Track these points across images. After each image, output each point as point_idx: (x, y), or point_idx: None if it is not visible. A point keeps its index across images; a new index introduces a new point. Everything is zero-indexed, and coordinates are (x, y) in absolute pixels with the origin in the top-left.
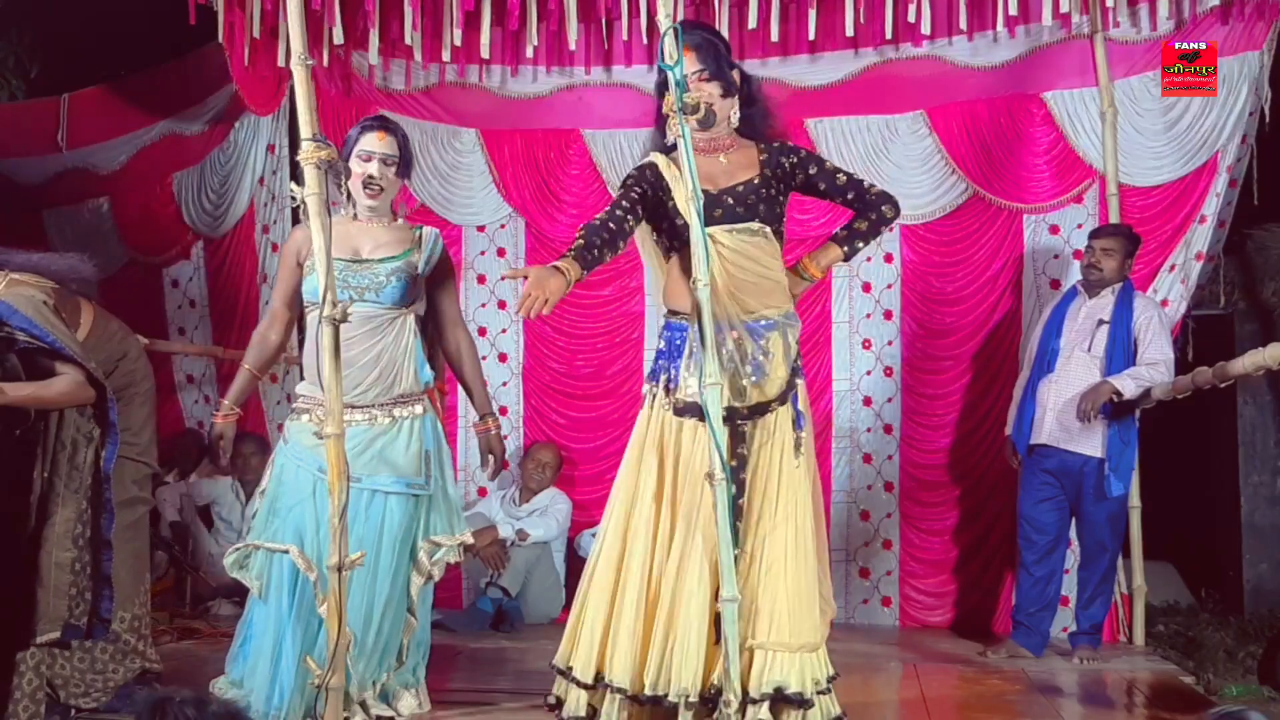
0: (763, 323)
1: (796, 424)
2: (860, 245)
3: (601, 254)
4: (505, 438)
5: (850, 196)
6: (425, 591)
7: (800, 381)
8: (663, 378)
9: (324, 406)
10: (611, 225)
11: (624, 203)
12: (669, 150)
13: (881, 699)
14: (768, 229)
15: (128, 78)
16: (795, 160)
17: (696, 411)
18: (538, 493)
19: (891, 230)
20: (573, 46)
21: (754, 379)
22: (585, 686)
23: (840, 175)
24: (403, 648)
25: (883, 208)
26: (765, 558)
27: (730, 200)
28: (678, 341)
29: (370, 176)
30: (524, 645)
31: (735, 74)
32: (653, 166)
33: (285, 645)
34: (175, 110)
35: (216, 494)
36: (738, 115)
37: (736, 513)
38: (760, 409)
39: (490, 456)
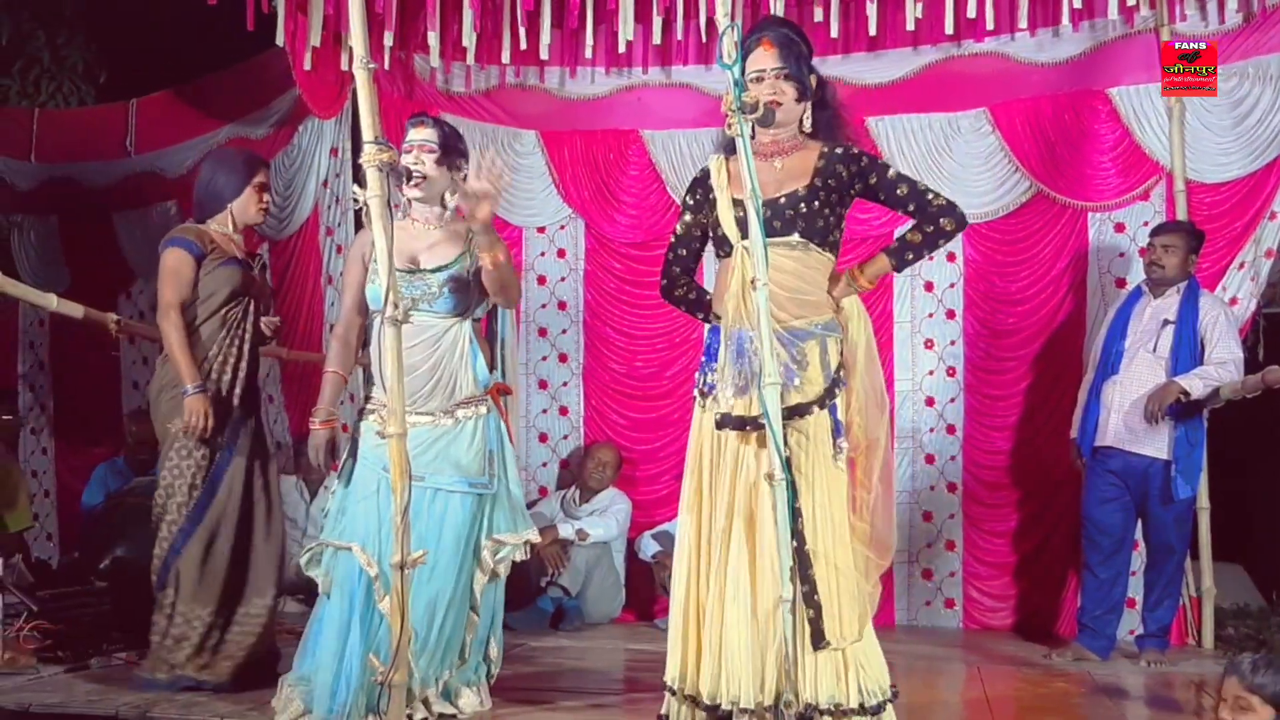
0: (797, 332)
1: (836, 432)
2: (911, 258)
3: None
4: (565, 437)
5: (911, 208)
6: (492, 590)
7: (841, 393)
8: (701, 381)
9: (387, 407)
10: (691, 296)
11: (683, 250)
12: (730, 148)
13: (945, 701)
14: (809, 242)
15: (194, 83)
16: (855, 169)
17: (733, 424)
18: (598, 492)
19: (952, 241)
20: (623, 48)
21: (784, 387)
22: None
23: (902, 186)
24: (465, 646)
25: (941, 220)
26: (824, 556)
27: (768, 214)
28: (714, 346)
29: (409, 164)
30: (584, 645)
31: (812, 78)
32: (703, 176)
33: (351, 642)
34: (240, 114)
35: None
36: (810, 118)
37: (796, 514)
38: (795, 411)
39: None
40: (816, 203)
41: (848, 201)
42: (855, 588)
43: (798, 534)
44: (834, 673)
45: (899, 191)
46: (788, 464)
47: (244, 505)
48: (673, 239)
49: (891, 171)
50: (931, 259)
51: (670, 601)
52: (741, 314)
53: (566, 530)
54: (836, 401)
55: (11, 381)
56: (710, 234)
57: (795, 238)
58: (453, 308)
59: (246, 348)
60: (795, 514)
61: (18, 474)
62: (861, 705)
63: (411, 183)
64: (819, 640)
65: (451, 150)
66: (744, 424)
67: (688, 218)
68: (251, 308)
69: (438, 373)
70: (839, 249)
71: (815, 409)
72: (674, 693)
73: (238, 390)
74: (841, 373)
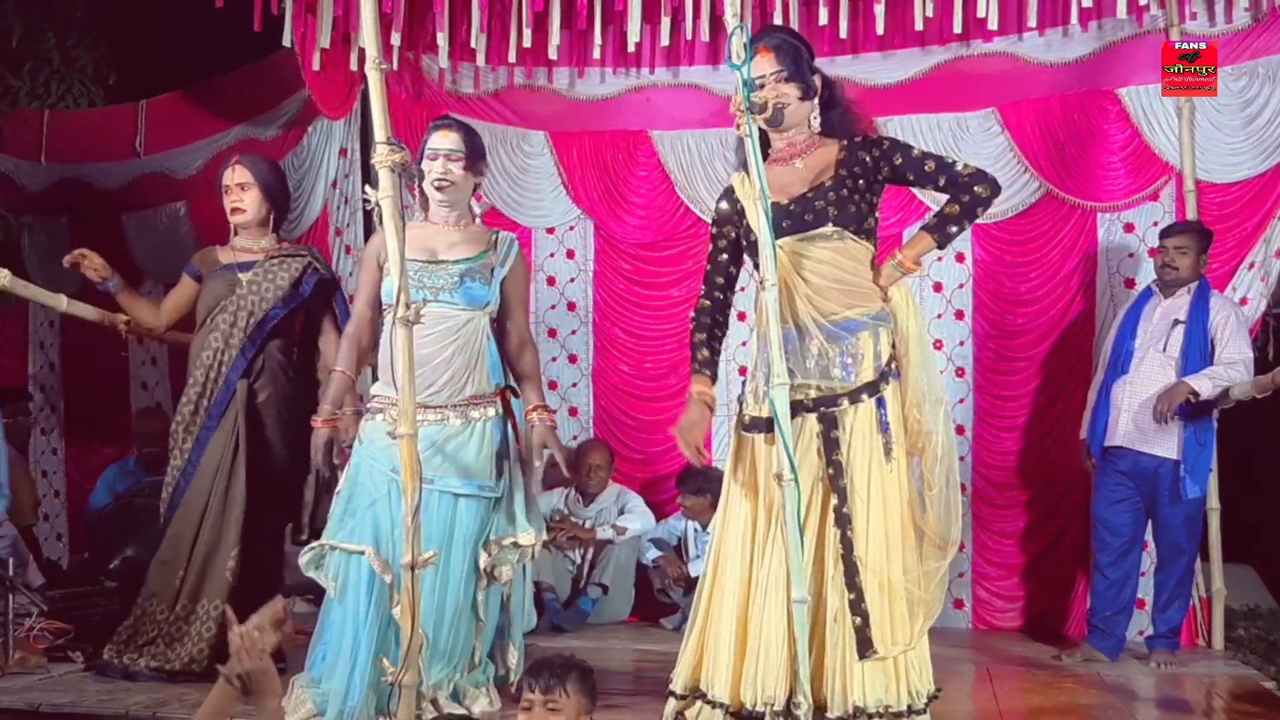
0: (848, 325)
1: (882, 428)
2: (953, 230)
3: (720, 348)
4: (574, 438)
5: (942, 182)
6: (498, 593)
7: (890, 385)
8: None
9: (397, 406)
10: (719, 316)
11: (719, 278)
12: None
13: (954, 703)
14: (845, 230)
15: (203, 84)
16: (878, 152)
17: (763, 427)
18: (597, 495)
19: (990, 208)
20: (631, 48)
21: (841, 382)
22: (677, 697)
23: (929, 161)
24: (476, 648)
25: (975, 188)
26: (872, 565)
27: (798, 209)
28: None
29: (438, 174)
30: (595, 646)
31: (816, 78)
32: (729, 192)
33: (361, 645)
34: (249, 115)
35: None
36: (818, 118)
37: (844, 521)
38: (830, 401)
39: (545, 451)
40: (845, 190)
41: (877, 189)
42: (911, 594)
43: (845, 541)
44: (884, 676)
45: (927, 167)
46: (838, 467)
47: (207, 507)
48: (705, 270)
49: (916, 150)
50: (940, 259)
51: (704, 611)
52: (784, 312)
53: (606, 532)
54: (884, 395)
55: (22, 382)
56: (744, 243)
57: (829, 228)
58: (471, 300)
59: (231, 352)
60: (844, 519)
61: (20, 471)
62: (910, 708)
63: (440, 191)
64: (865, 649)
65: (476, 155)
66: (773, 426)
67: (714, 230)
68: (241, 310)
69: (453, 365)
70: (876, 237)
71: (859, 400)
72: (712, 703)
73: (212, 396)
74: (892, 365)
